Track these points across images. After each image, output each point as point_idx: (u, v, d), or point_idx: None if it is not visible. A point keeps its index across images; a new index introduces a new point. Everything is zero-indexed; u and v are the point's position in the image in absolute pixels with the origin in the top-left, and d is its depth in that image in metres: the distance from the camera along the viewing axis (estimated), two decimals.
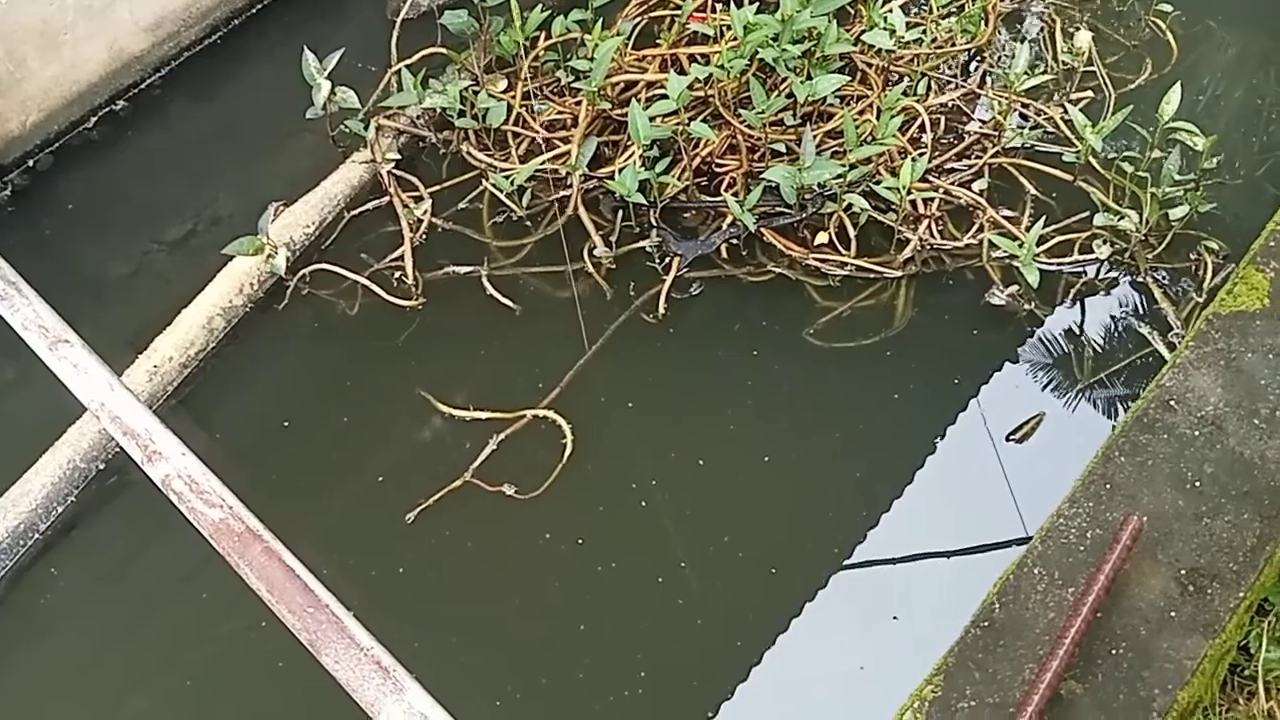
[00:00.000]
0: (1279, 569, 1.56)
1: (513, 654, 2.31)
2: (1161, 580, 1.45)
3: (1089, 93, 3.05)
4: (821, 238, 2.85)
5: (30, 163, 3.51)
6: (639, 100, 3.05)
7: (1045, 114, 2.98)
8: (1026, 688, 1.30)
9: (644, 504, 2.45)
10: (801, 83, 2.75)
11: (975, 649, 1.42)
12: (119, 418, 1.98)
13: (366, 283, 2.95)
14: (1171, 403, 1.63)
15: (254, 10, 3.87)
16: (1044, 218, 2.75)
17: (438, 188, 3.19)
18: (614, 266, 2.92)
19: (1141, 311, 2.66)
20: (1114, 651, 1.41)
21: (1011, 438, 2.46)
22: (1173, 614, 1.42)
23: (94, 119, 3.61)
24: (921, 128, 2.97)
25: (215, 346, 2.97)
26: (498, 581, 2.42)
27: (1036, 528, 1.91)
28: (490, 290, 2.92)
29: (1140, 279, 2.68)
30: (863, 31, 2.97)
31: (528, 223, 3.07)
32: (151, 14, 3.57)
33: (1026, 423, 2.48)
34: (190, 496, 1.86)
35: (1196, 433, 1.60)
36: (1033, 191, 2.86)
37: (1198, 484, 1.55)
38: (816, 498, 2.42)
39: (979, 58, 3.16)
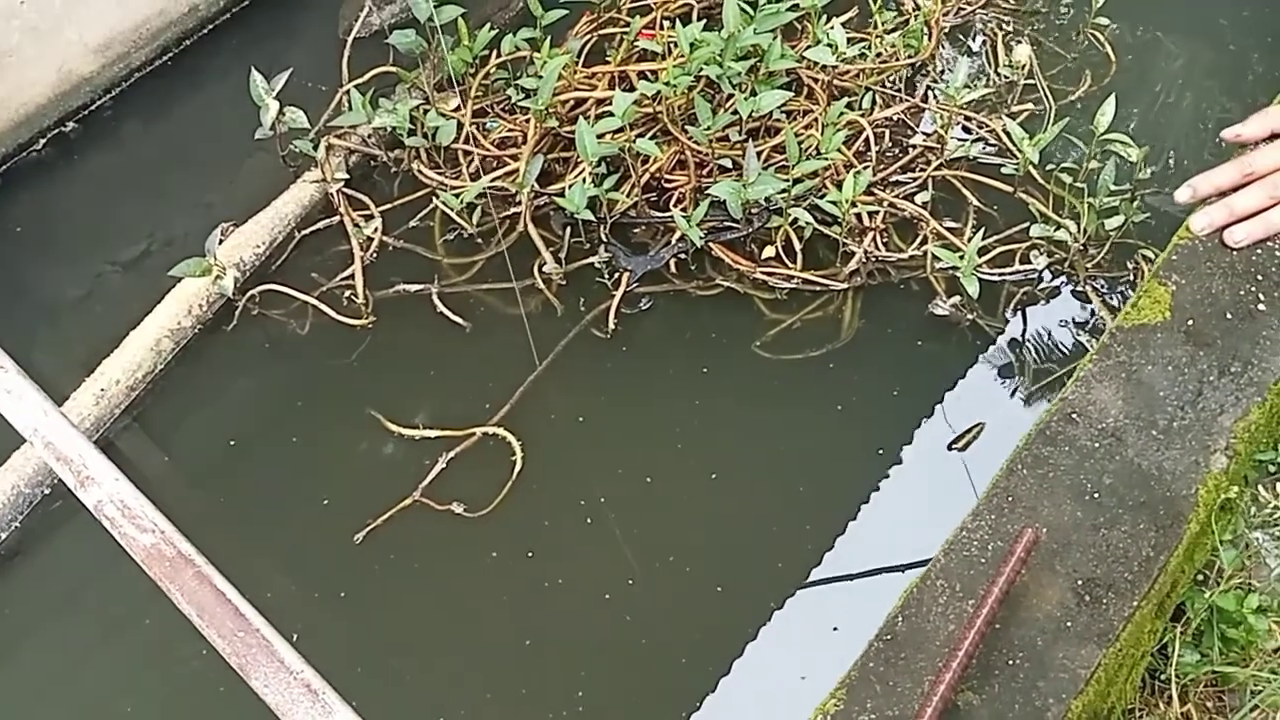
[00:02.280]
0: (1174, 576, 1.56)
1: (456, 671, 2.28)
2: (1059, 591, 1.45)
3: (1030, 105, 3.07)
4: (768, 251, 2.86)
5: None
6: (588, 118, 3.05)
7: (987, 126, 3.00)
8: (921, 700, 1.29)
9: (589, 521, 2.42)
10: (746, 99, 2.75)
11: (877, 662, 1.41)
12: (52, 443, 1.95)
13: (315, 303, 2.92)
14: (1073, 415, 1.63)
15: (205, 31, 3.85)
16: (985, 229, 2.77)
17: (389, 206, 3.17)
18: (564, 283, 2.91)
19: (1080, 320, 2.68)
20: (1011, 662, 1.41)
21: (953, 447, 2.47)
22: (1069, 624, 1.42)
23: (43, 141, 3.58)
24: (866, 142, 2.98)
25: (163, 368, 2.94)
26: (444, 600, 2.39)
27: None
28: (441, 308, 2.90)
29: (1079, 288, 2.70)
30: (807, 47, 2.98)
31: (479, 240, 3.05)
32: (100, 35, 3.54)
33: (967, 432, 2.49)
34: (122, 522, 1.82)
35: (1097, 444, 1.61)
36: (975, 203, 2.88)
37: (1096, 495, 1.55)
38: (762, 514, 2.41)
39: (923, 72, 3.18)
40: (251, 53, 3.75)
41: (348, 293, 2.99)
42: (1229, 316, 1.88)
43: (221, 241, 3.13)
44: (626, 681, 2.26)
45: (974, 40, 3.40)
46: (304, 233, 3.19)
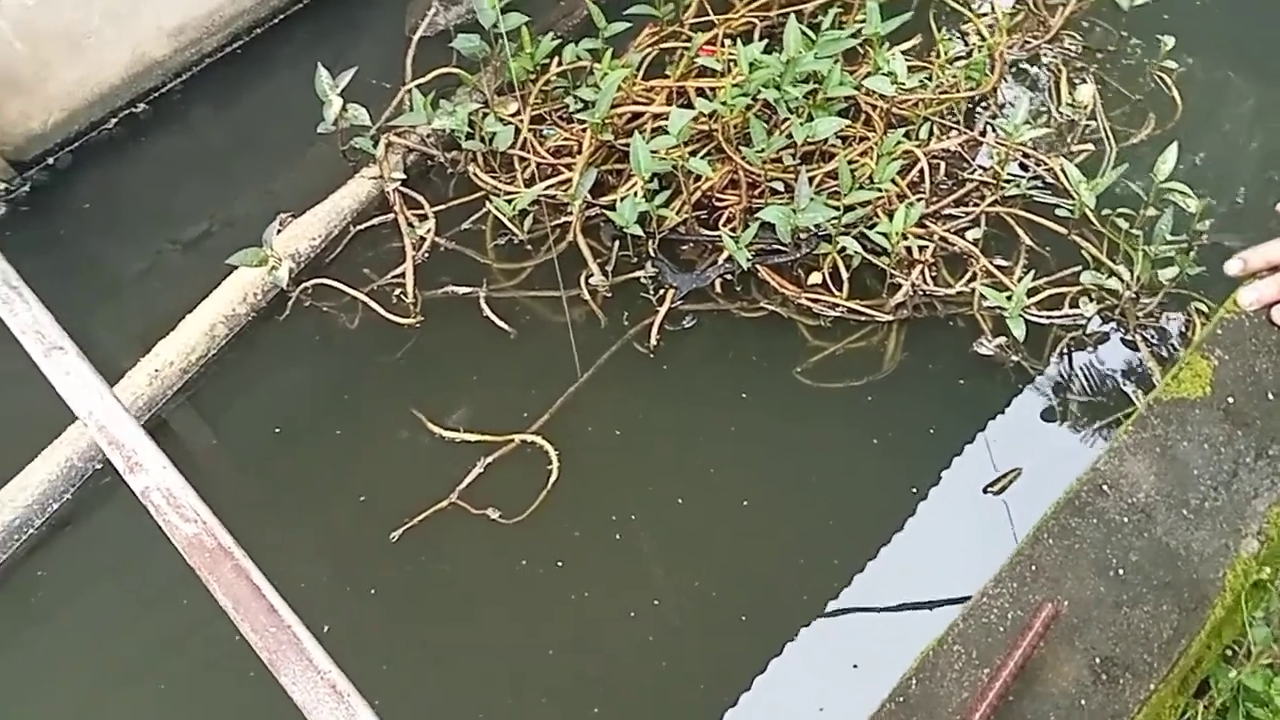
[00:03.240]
0: (1198, 655, 1.54)
1: (479, 675, 2.31)
2: (1075, 668, 1.44)
3: (1090, 146, 3.03)
4: (815, 278, 2.85)
5: (50, 160, 3.56)
6: (643, 132, 3.06)
7: (1045, 165, 2.96)
8: None
9: (618, 537, 2.44)
10: (801, 124, 2.75)
11: None
12: (105, 427, 2.01)
13: (366, 299, 2.97)
14: (1104, 487, 1.61)
15: (276, 21, 3.91)
16: (1036, 269, 2.74)
17: (443, 207, 3.21)
18: (610, 295, 2.93)
19: (1127, 369, 2.64)
20: None
21: (989, 490, 2.45)
22: (1083, 702, 1.41)
23: (114, 120, 3.66)
24: (921, 173, 2.96)
25: (216, 353, 3.00)
26: (472, 603, 2.42)
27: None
28: (487, 312, 2.93)
29: (1129, 336, 2.66)
30: (867, 74, 2.97)
31: (528, 246, 3.08)
32: (175, 20, 3.62)
33: (1004, 476, 2.46)
34: (167, 510, 1.88)
35: (1125, 519, 1.58)
36: (1028, 242, 2.85)
37: (1121, 571, 1.53)
38: (790, 544, 2.41)
39: (983, 105, 3.15)
40: (319, 45, 3.82)
41: (398, 291, 3.03)
42: (1271, 397, 1.84)
43: (279, 232, 3.19)
44: (643, 701, 2.28)
45: (1037, 75, 3.36)
46: (359, 228, 3.23)
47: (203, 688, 2.35)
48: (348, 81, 3.08)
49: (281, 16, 3.91)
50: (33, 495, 2.68)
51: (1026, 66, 3.38)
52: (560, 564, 2.48)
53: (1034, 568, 1.63)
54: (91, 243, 3.41)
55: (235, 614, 1.76)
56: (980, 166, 3.04)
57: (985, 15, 3.38)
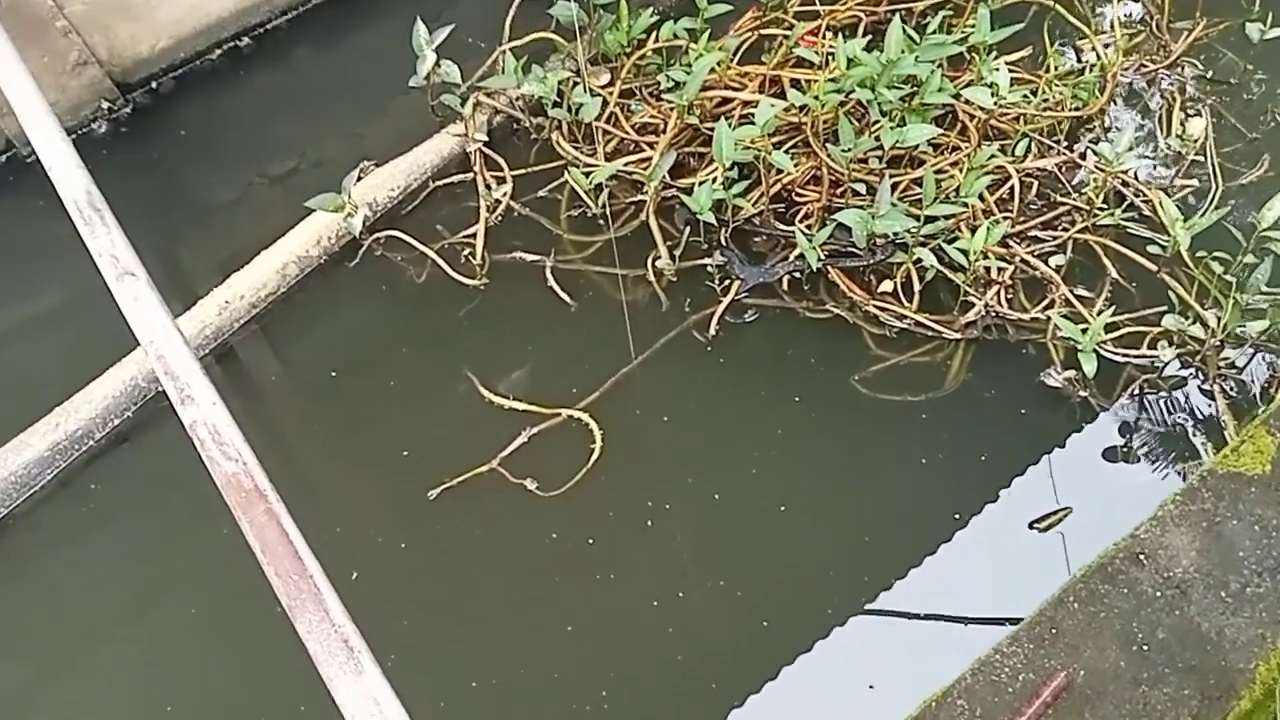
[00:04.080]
0: None
1: (496, 642, 2.33)
2: None
3: (1194, 182, 2.88)
4: (886, 286, 2.78)
5: (154, 84, 3.64)
6: (730, 118, 3.00)
7: (1144, 196, 2.83)
8: None
9: (650, 524, 2.43)
10: (892, 129, 2.67)
11: None
12: (164, 357, 2.05)
13: (435, 256, 2.99)
14: (1141, 556, 1.53)
15: None
16: (1118, 305, 2.63)
17: (522, 171, 3.20)
18: (675, 279, 2.90)
19: (1201, 419, 2.52)
20: None
21: (1035, 525, 2.37)
22: None
23: (219, 51, 3.72)
24: (1011, 190, 2.85)
25: (285, 291, 3.05)
26: (499, 570, 2.44)
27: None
28: (551, 282, 2.92)
29: (1207, 386, 2.53)
30: (966, 84, 2.86)
31: (601, 221, 3.06)
32: None
33: (1053, 514, 2.38)
34: (211, 445, 1.92)
35: (1158, 593, 1.50)
36: (1113, 274, 2.73)
37: (1146, 647, 1.46)
38: (823, 556, 2.37)
39: (1088, 126, 3.01)
40: None
41: (467, 251, 3.04)
42: None
43: (359, 180, 3.23)
44: (651, 691, 2.27)
45: (1150, 101, 3.21)
46: (438, 184, 3.24)
47: (227, 616, 2.41)
48: (444, 38, 3.07)
49: None
50: (96, 409, 2.77)
51: (1141, 91, 3.22)
52: (591, 542, 2.48)
53: (1054, 631, 1.56)
54: (185, 169, 3.49)
55: (262, 556, 1.79)
56: (1075, 190, 2.91)
57: (1104, 34, 3.22)
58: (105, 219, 2.32)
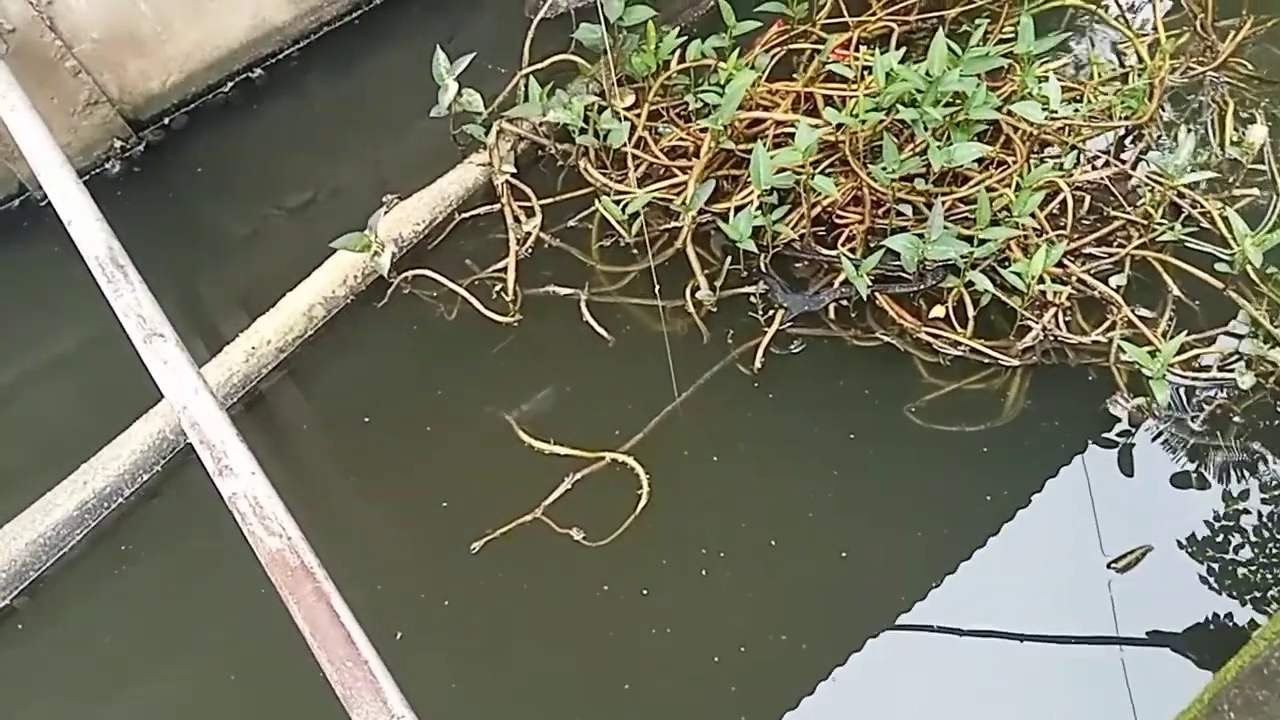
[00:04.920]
0: None
1: (549, 705, 2.22)
2: None
3: (1255, 192, 2.76)
4: (938, 311, 2.66)
5: (166, 121, 3.54)
6: (765, 138, 2.89)
7: (1203, 208, 2.70)
8: None
9: (704, 572, 2.32)
10: (939, 148, 2.55)
11: None
12: (198, 424, 1.95)
13: (466, 294, 2.88)
14: None
15: None
16: (1183, 324, 2.51)
17: (551, 200, 3.10)
18: (715, 309, 2.78)
19: None
20: None
21: (1113, 565, 2.25)
22: None
23: (231, 84, 3.63)
24: (1063, 205, 2.73)
25: (313, 334, 2.95)
26: (548, 626, 2.33)
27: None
28: (587, 316, 2.81)
29: None
30: (1011, 96, 2.74)
31: (634, 250, 2.95)
32: None
33: (1132, 552, 2.26)
34: (253, 520, 1.81)
35: None
36: (1176, 293, 2.61)
37: None
38: (888, 605, 2.26)
39: (1137, 135, 2.89)
40: (437, 19, 3.72)
41: (498, 286, 2.93)
42: None
43: (385, 213, 3.12)
44: None
45: (1200, 105, 3.08)
46: (464, 215, 3.14)
47: (264, 679, 2.30)
48: (464, 68, 2.96)
49: None
50: (124, 465, 2.67)
51: (1188, 94, 3.09)
52: (645, 593, 2.36)
53: None
54: (201, 205, 3.39)
55: (312, 640, 1.68)
56: (1129, 203, 2.79)
57: (1146, 34, 3.10)
58: (129, 276, 2.22)
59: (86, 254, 2.27)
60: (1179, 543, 2.27)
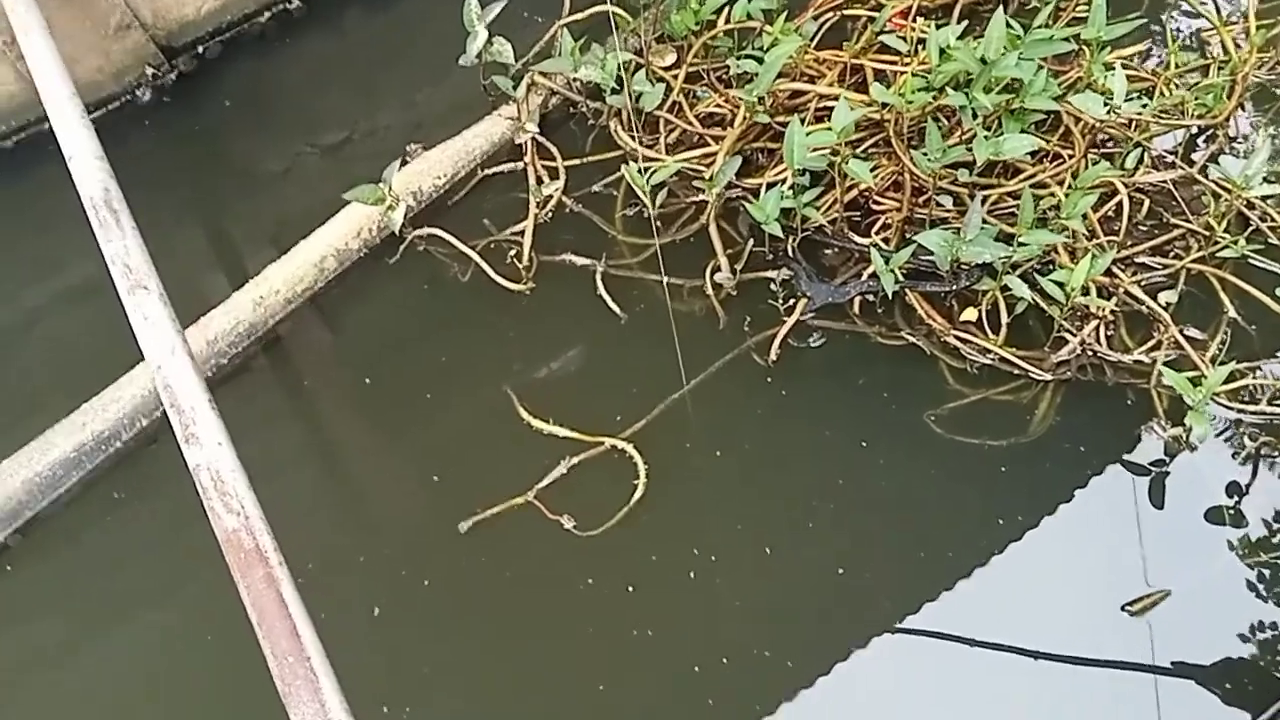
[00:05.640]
0: None
1: (521, 699, 2.14)
2: None
3: None
4: (969, 314, 2.47)
5: (200, 49, 3.44)
6: (805, 112, 2.69)
7: (1273, 222, 2.46)
8: None
9: (693, 575, 2.20)
10: (986, 140, 2.33)
11: None
12: (170, 387, 1.86)
13: (478, 259, 2.76)
14: None
15: None
16: (1234, 349, 2.29)
17: (577, 161, 2.94)
18: (735, 293, 2.62)
19: None
20: None
21: (1127, 608, 2.08)
22: None
23: (268, 14, 3.50)
24: (1118, 208, 2.50)
25: (322, 287, 2.85)
26: (529, 616, 2.24)
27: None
28: (601, 290, 2.67)
29: None
30: (1073, 87, 2.50)
31: (658, 222, 2.79)
32: None
33: (1149, 596, 2.09)
34: (213, 494, 1.73)
35: None
36: (1232, 314, 2.38)
37: None
38: (881, 629, 2.12)
39: (1210, 136, 2.63)
40: None
41: (515, 249, 2.80)
42: None
43: (406, 163, 3.00)
44: None
45: None
46: (487, 171, 3.00)
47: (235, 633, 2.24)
48: (496, 14, 2.79)
49: None
50: (124, 409, 2.61)
51: (1274, 93, 2.81)
52: (630, 590, 2.26)
53: None
54: (233, 138, 3.30)
55: (259, 628, 1.61)
56: (1191, 210, 2.55)
57: (1234, 24, 2.81)
58: (121, 222, 2.12)
59: (83, 194, 2.18)
60: (1204, 586, 2.08)
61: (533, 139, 2.91)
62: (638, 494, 2.33)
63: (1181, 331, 2.34)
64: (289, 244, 2.89)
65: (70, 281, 2.98)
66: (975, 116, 2.39)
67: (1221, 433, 2.25)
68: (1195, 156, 2.64)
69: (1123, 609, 2.10)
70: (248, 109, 3.34)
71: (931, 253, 2.46)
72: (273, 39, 3.45)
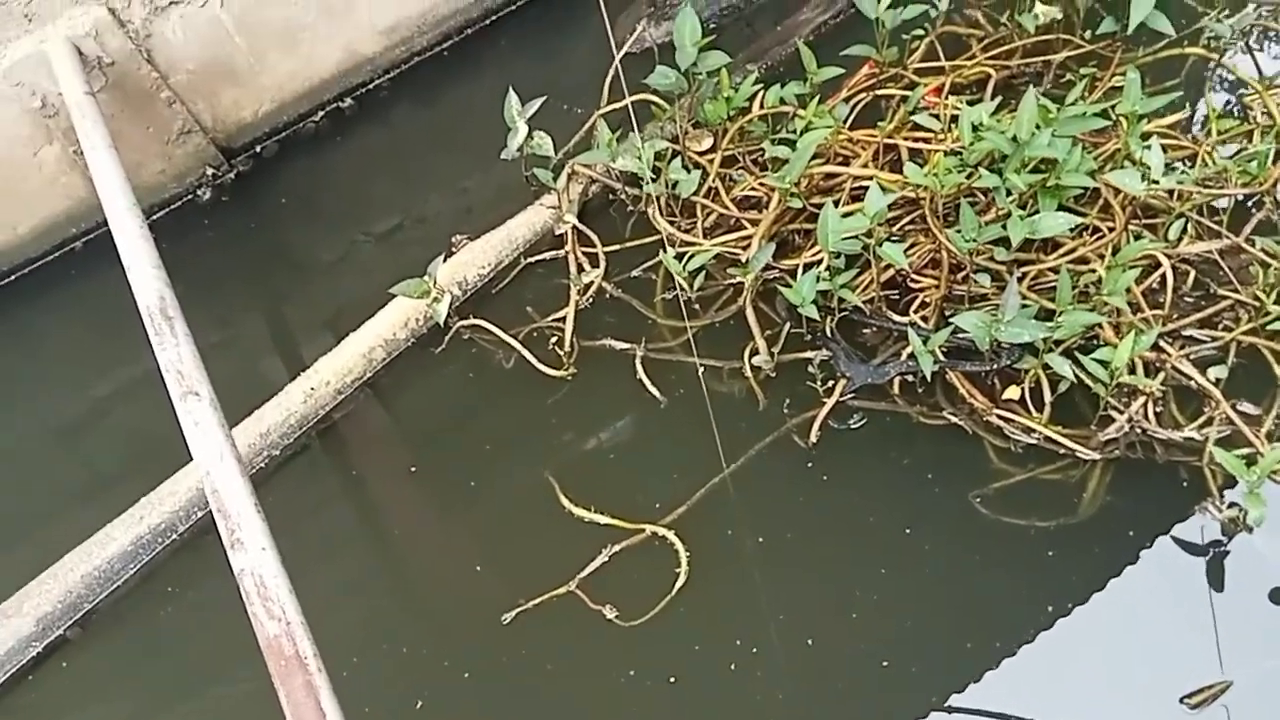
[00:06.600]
0: None
1: None
2: None
3: None
4: (1012, 392, 2.42)
5: (258, 149, 3.57)
6: (838, 195, 2.70)
7: None
8: None
9: (734, 667, 2.16)
10: (1022, 219, 2.31)
11: None
12: (218, 492, 1.91)
13: (520, 348, 2.79)
14: None
15: (487, 22, 3.76)
16: None
17: (616, 247, 2.98)
18: (773, 374, 2.60)
19: None
20: None
21: (1186, 700, 1.99)
22: None
23: (321, 114, 3.63)
24: (1162, 280, 2.45)
25: (371, 377, 2.91)
26: (570, 709, 2.21)
27: None
28: (641, 374, 2.68)
29: None
30: (1112, 159, 2.47)
31: (697, 305, 2.80)
32: (389, 18, 3.53)
33: (1210, 687, 1.99)
34: (256, 599, 1.76)
35: None
36: None
37: None
38: None
39: (1258, 203, 2.57)
40: (525, 50, 3.64)
41: (557, 336, 2.83)
42: None
43: (452, 254, 3.06)
44: None
45: None
46: (530, 260, 3.05)
47: None
48: (536, 110, 2.86)
49: (492, 19, 3.76)
50: (180, 501, 2.67)
51: None
52: (672, 680, 2.22)
53: None
54: (289, 230, 3.41)
55: None
56: (1239, 281, 2.48)
57: (1277, 89, 2.76)
58: (176, 329, 2.20)
59: (140, 302, 2.27)
60: (1269, 676, 1.98)
61: (573, 228, 2.95)
62: (679, 582, 2.30)
63: (1234, 406, 2.26)
64: (345, 329, 2.97)
65: (135, 374, 3.07)
66: (1009, 195, 2.37)
67: None
68: (1244, 222, 2.57)
69: (1181, 701, 2.00)
70: (303, 203, 3.46)
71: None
72: (326, 136, 3.57)
